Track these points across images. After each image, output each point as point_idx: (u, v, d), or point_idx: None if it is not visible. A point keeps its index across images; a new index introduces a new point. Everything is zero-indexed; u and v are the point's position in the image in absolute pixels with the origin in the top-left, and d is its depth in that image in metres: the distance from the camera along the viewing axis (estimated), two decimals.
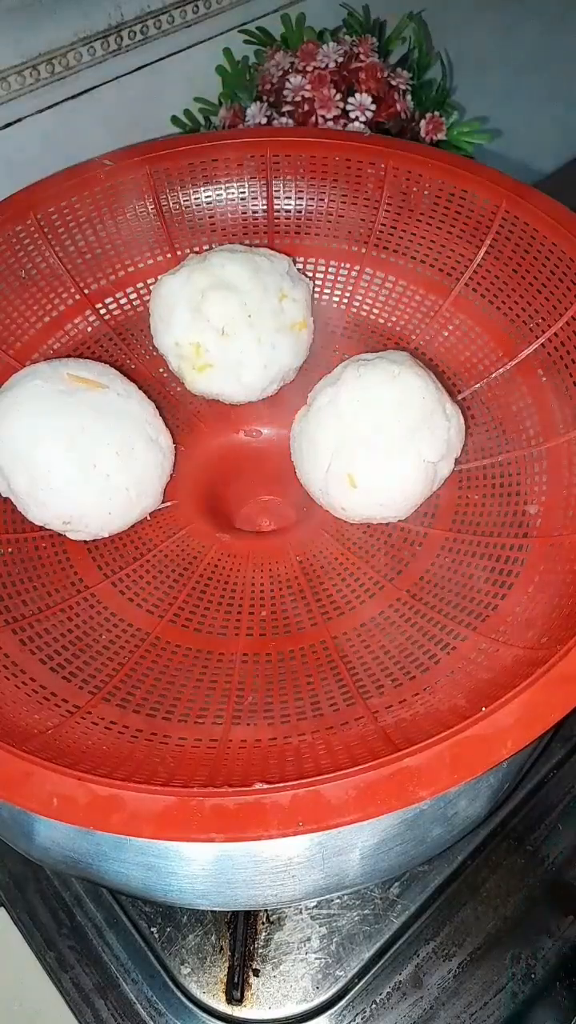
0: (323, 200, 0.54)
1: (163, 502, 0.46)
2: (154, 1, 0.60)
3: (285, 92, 0.63)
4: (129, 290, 0.53)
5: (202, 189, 0.54)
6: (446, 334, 0.51)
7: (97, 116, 0.61)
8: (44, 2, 0.55)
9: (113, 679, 0.40)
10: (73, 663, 0.40)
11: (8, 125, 0.57)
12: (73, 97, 0.60)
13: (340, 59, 0.63)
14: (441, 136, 0.67)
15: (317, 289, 0.54)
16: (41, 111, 0.58)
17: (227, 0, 0.64)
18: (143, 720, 0.38)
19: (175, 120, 0.67)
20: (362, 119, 0.63)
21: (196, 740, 0.37)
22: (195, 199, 0.54)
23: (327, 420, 0.42)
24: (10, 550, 0.44)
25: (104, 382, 0.43)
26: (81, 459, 0.41)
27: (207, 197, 0.54)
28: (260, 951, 0.49)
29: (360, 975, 0.48)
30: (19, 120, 0.58)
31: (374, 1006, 0.48)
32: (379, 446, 0.41)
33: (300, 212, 0.55)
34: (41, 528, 0.43)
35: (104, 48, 0.59)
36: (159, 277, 0.49)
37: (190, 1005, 0.48)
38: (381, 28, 0.71)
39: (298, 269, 0.53)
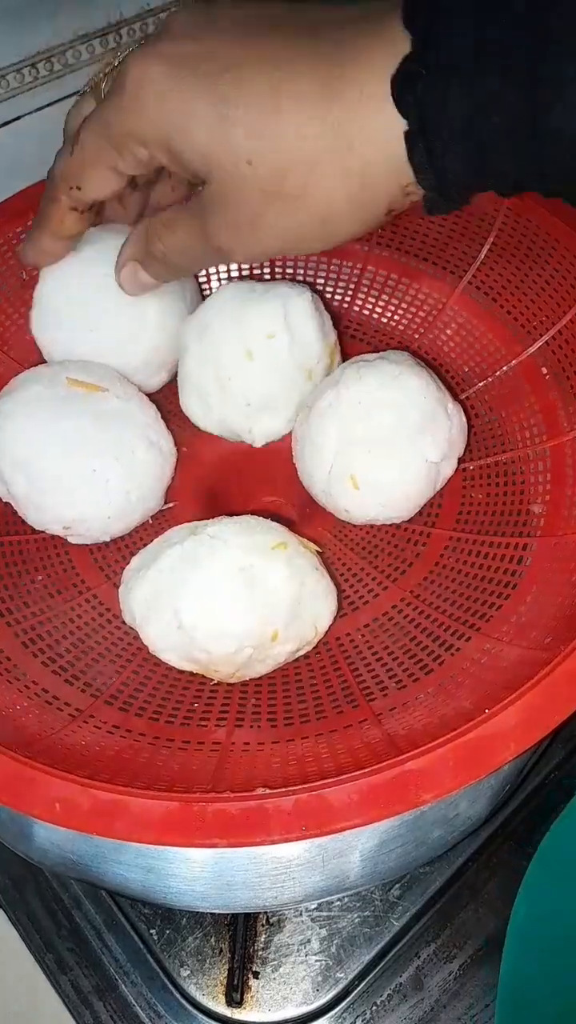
0: None
1: (164, 504, 0.46)
2: None
3: None
4: None
5: None
6: (449, 332, 0.51)
7: None
8: (43, 0, 0.54)
9: (116, 681, 0.40)
10: (76, 665, 0.40)
11: (7, 123, 0.57)
12: (73, 95, 0.59)
13: None
14: None
15: (319, 288, 0.54)
16: (40, 109, 0.58)
17: None
18: (145, 724, 0.38)
19: None
20: None
21: (199, 743, 0.37)
22: None
23: (328, 423, 0.42)
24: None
25: (104, 385, 0.42)
26: (80, 465, 0.41)
27: None
28: (260, 953, 0.49)
29: (360, 977, 0.48)
30: (18, 118, 0.57)
31: (374, 1008, 0.48)
32: (381, 447, 0.41)
33: None
34: (42, 531, 0.43)
35: (103, 46, 0.59)
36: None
37: (189, 1007, 0.48)
38: None
39: (300, 270, 0.53)
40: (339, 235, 0.34)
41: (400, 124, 0.30)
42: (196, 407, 0.47)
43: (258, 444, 0.47)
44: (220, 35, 0.33)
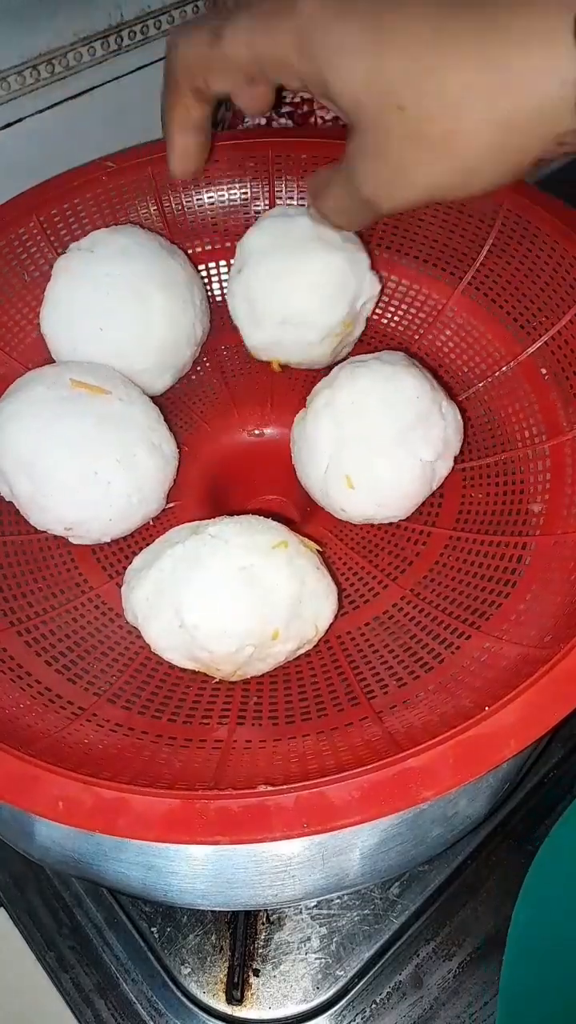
0: None
1: (166, 504, 0.46)
2: (154, 1, 0.60)
3: (284, 93, 0.63)
4: None
5: (204, 190, 0.54)
6: (448, 333, 0.51)
7: (97, 116, 0.61)
8: (44, 2, 0.55)
9: (118, 680, 0.40)
10: (79, 664, 0.40)
11: (8, 125, 0.57)
12: (73, 97, 0.60)
13: None
14: None
15: None
16: (41, 111, 0.58)
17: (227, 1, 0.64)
18: (148, 721, 0.38)
19: None
20: None
21: (201, 741, 0.37)
22: (197, 200, 0.54)
23: (324, 422, 0.42)
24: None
25: (107, 387, 0.43)
26: (82, 467, 0.41)
27: (209, 198, 0.54)
28: (260, 951, 0.49)
29: (360, 975, 0.48)
30: (19, 120, 0.58)
31: (374, 1006, 0.48)
32: (374, 447, 0.41)
33: None
34: (44, 531, 0.43)
35: (104, 48, 0.59)
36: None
37: (190, 1005, 0.48)
38: None
39: None
40: (483, 183, 0.33)
41: (570, 67, 0.28)
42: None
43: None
44: None
